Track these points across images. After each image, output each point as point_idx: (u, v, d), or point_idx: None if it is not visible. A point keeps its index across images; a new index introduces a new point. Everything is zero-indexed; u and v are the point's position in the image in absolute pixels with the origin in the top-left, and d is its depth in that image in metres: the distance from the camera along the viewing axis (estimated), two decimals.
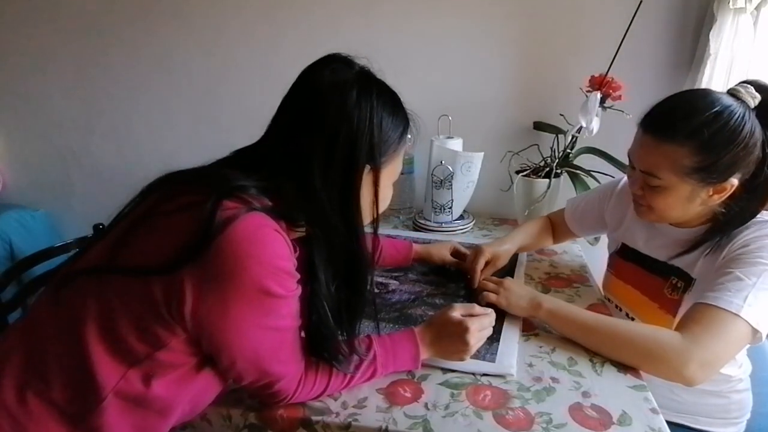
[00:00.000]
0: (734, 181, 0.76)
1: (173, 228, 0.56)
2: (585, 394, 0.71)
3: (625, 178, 1.02)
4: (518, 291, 0.90)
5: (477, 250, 1.05)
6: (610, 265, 1.05)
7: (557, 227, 1.18)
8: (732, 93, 0.77)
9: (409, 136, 0.70)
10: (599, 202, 1.08)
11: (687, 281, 0.85)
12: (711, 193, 0.78)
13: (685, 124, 0.75)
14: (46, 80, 1.70)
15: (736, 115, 0.74)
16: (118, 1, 1.57)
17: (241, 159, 0.66)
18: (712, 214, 0.83)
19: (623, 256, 1.00)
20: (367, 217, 0.67)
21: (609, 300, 1.03)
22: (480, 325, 0.76)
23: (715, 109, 0.74)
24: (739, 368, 0.90)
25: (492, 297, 0.90)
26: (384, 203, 0.70)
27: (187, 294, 0.52)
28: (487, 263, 1.04)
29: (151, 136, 1.71)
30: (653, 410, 0.68)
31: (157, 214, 0.58)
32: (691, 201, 0.80)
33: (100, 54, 1.64)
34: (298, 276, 0.59)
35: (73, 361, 0.54)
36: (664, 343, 0.73)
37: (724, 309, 0.71)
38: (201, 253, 0.52)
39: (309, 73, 0.65)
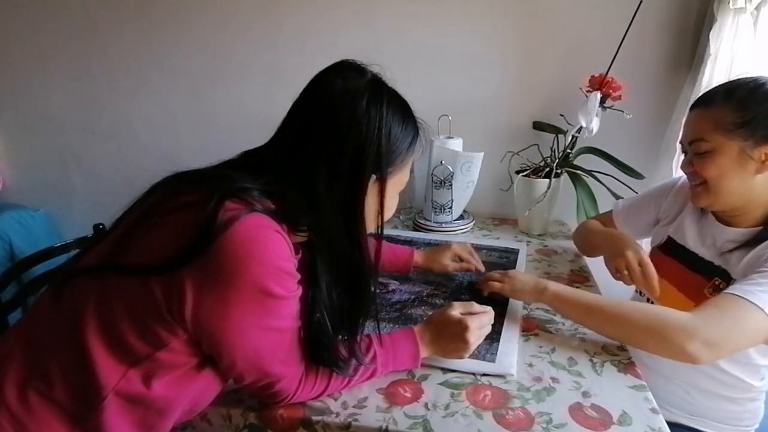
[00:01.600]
0: None
1: (174, 227, 0.56)
2: (585, 394, 0.71)
3: (684, 177, 1.01)
4: (522, 278, 0.91)
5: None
6: (650, 258, 1.03)
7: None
8: None
9: (418, 145, 0.69)
10: (656, 201, 1.06)
11: (728, 282, 0.83)
12: (764, 157, 0.78)
13: (723, 90, 0.81)
14: (46, 80, 1.70)
15: None
16: (118, 1, 1.57)
17: (248, 161, 0.66)
18: None
19: (666, 251, 0.99)
20: (370, 225, 0.66)
21: (641, 293, 1.02)
22: (479, 323, 0.76)
23: (754, 77, 0.81)
24: (761, 380, 0.88)
25: (496, 285, 0.92)
26: (389, 213, 0.69)
27: (187, 294, 0.52)
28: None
29: (151, 136, 1.71)
30: (653, 410, 0.68)
31: (158, 213, 0.58)
32: (744, 166, 0.79)
33: (100, 54, 1.64)
34: (299, 276, 0.59)
35: (73, 360, 0.54)
36: (668, 319, 0.72)
37: (749, 300, 0.70)
38: (202, 253, 0.52)
39: (320, 80, 0.65)
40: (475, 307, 0.78)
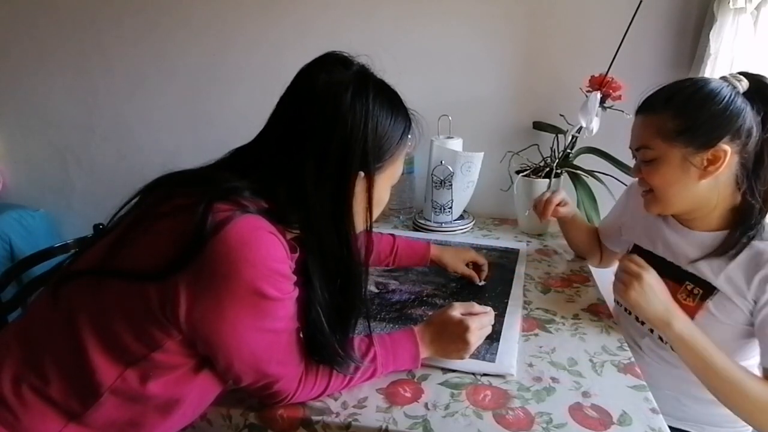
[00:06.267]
0: (725, 148, 0.76)
1: (167, 232, 0.55)
2: (585, 394, 0.71)
3: (635, 180, 1.02)
4: (657, 293, 0.79)
5: (554, 190, 1.15)
6: None
7: (602, 247, 1.18)
8: (720, 78, 0.81)
9: (410, 137, 0.68)
10: (616, 210, 1.09)
11: (706, 289, 0.83)
12: (705, 163, 0.78)
13: (664, 95, 0.81)
14: (46, 80, 1.70)
15: (713, 82, 0.78)
16: (118, 1, 1.57)
17: (239, 159, 0.65)
18: (730, 217, 0.82)
19: None
20: (360, 223, 0.65)
21: (619, 303, 1.02)
22: (480, 323, 0.76)
23: (693, 79, 0.81)
24: None
25: (620, 287, 0.81)
26: (379, 207, 0.68)
27: (181, 297, 0.51)
28: (558, 205, 1.11)
29: (151, 136, 1.71)
30: (653, 410, 0.68)
31: (152, 217, 0.58)
32: (686, 172, 0.79)
33: (99, 53, 1.64)
34: (295, 278, 0.59)
35: (70, 358, 0.54)
36: None
37: None
38: (194, 257, 0.51)
39: (305, 73, 0.64)
40: (476, 307, 0.78)
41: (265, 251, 0.54)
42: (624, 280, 0.81)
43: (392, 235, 1.08)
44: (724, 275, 0.81)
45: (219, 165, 0.65)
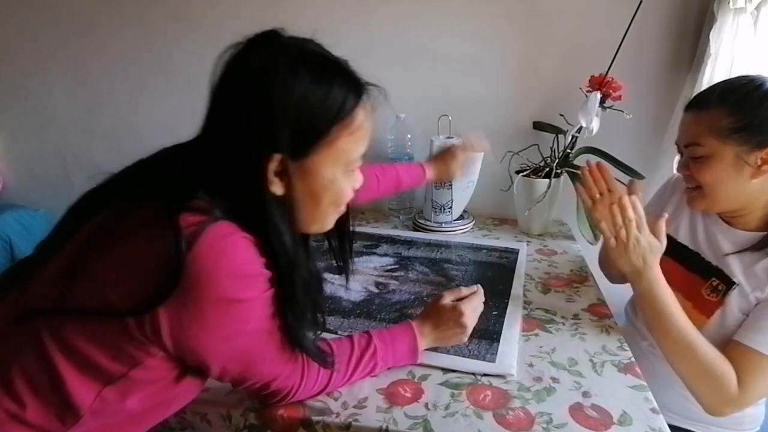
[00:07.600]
0: None
1: (133, 256, 0.52)
2: (585, 394, 0.71)
3: (675, 174, 1.00)
4: (645, 245, 0.79)
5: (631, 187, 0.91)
6: None
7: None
8: None
9: (358, 111, 0.58)
10: (658, 204, 1.05)
11: (728, 284, 0.83)
12: (759, 162, 0.77)
13: (718, 92, 0.80)
14: (46, 80, 1.70)
15: None
16: (118, 1, 1.57)
17: (176, 155, 0.62)
18: None
19: (666, 251, 0.98)
20: (326, 212, 0.61)
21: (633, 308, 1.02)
22: (472, 306, 0.78)
23: (749, 77, 0.79)
24: None
25: (609, 234, 0.81)
26: (333, 196, 0.61)
27: (162, 322, 0.49)
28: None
29: (151, 135, 1.71)
30: (653, 410, 0.68)
31: (110, 235, 0.54)
32: (739, 171, 0.78)
33: (100, 54, 1.64)
34: (269, 273, 0.55)
35: (45, 383, 0.51)
36: (724, 383, 0.74)
37: (764, 354, 0.74)
38: (173, 286, 0.48)
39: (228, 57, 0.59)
40: (464, 291, 0.80)
41: (238, 258, 0.52)
42: (623, 219, 0.79)
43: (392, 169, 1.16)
44: (749, 270, 0.81)
45: (152, 165, 0.62)
